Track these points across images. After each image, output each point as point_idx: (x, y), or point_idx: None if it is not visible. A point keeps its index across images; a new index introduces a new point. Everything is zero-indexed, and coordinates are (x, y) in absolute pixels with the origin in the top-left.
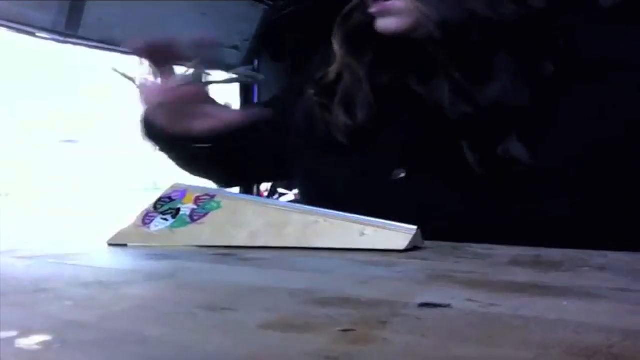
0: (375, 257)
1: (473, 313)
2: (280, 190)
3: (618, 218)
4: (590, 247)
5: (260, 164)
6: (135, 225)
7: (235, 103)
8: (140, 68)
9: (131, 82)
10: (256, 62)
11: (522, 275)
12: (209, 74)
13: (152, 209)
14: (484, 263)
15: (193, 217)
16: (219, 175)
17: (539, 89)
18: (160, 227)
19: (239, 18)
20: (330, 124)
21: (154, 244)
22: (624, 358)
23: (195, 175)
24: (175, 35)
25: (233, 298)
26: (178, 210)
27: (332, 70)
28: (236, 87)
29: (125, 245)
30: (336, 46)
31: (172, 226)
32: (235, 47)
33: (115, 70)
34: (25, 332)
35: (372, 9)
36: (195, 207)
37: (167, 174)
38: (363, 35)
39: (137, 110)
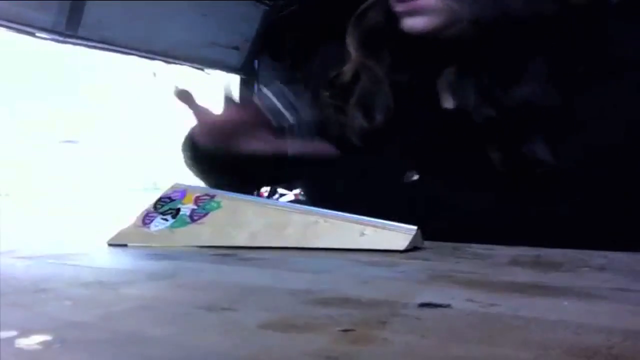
0: (376, 258)
1: (473, 313)
2: (280, 190)
3: (618, 218)
4: (590, 247)
5: (264, 167)
6: (135, 225)
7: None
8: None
9: (183, 97)
10: (256, 62)
11: (522, 275)
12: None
13: (152, 209)
14: (484, 263)
15: (193, 217)
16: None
17: (569, 89)
18: (160, 227)
19: (239, 18)
20: (344, 126)
21: (154, 244)
22: (624, 358)
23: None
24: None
25: (233, 298)
26: (178, 210)
27: (347, 70)
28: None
29: (125, 245)
30: (351, 46)
31: (172, 226)
32: (236, 48)
33: (175, 87)
34: (25, 332)
35: (398, 8)
36: (195, 207)
37: (167, 174)
38: (380, 35)
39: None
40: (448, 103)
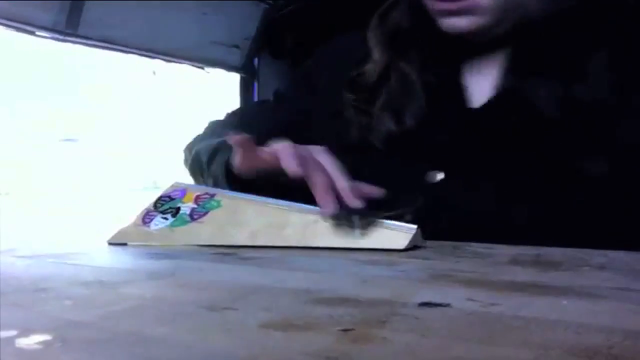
0: (376, 257)
1: (473, 313)
2: None
3: (618, 218)
4: (590, 246)
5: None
6: (135, 224)
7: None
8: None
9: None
10: (256, 61)
11: (523, 274)
12: None
13: (152, 208)
14: (484, 262)
15: (193, 216)
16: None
17: (628, 86)
18: (160, 226)
19: (239, 17)
20: (368, 128)
21: (154, 243)
22: (624, 358)
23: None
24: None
25: (233, 297)
26: (178, 209)
27: (372, 70)
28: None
29: (125, 244)
30: (376, 46)
31: (172, 225)
32: (236, 46)
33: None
34: (25, 332)
35: (439, 7)
36: (195, 206)
37: (167, 173)
38: (409, 34)
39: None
40: (479, 101)
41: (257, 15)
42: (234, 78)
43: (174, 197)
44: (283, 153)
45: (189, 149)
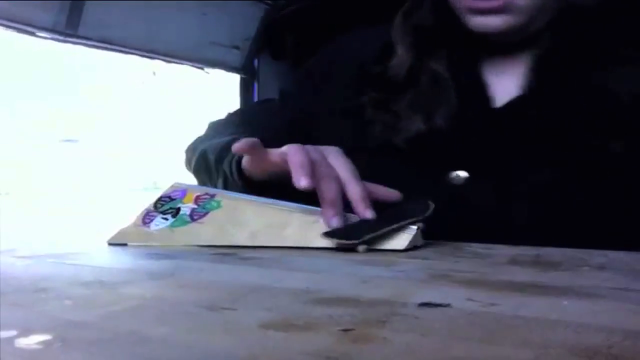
0: (375, 257)
1: (473, 312)
2: None
3: (618, 218)
4: (590, 246)
5: None
6: (135, 224)
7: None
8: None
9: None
10: (256, 62)
11: (522, 274)
12: None
13: (152, 209)
14: (483, 262)
15: (193, 217)
16: None
17: None
18: (160, 227)
19: (239, 17)
20: (392, 128)
21: (154, 244)
22: (624, 358)
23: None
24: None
25: (233, 297)
26: (178, 209)
27: (398, 66)
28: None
29: (125, 244)
30: (402, 44)
31: (172, 225)
32: (236, 47)
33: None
34: (25, 332)
35: (468, 4)
36: (195, 206)
37: (167, 173)
38: (436, 32)
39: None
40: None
41: (257, 15)
42: (234, 78)
43: (174, 197)
44: (293, 161)
45: (191, 149)
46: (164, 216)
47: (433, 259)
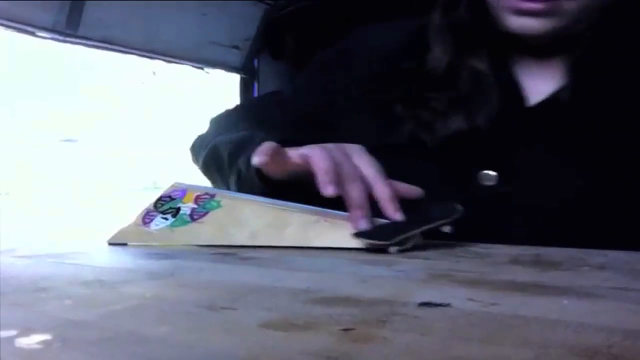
0: (376, 257)
1: (473, 312)
2: None
3: (618, 218)
4: (590, 246)
5: None
6: (135, 224)
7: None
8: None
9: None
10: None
11: (523, 274)
12: None
13: (152, 208)
14: (484, 262)
15: (193, 216)
16: None
17: None
18: (160, 226)
19: (239, 17)
20: (427, 126)
21: (154, 243)
22: (624, 358)
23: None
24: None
25: (233, 297)
26: (178, 209)
27: (435, 64)
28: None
29: (125, 244)
30: (440, 41)
31: (172, 225)
32: (236, 47)
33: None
34: (25, 332)
35: (524, 5)
36: (195, 206)
37: (167, 173)
38: (473, 29)
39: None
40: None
41: (257, 15)
42: (234, 78)
43: (174, 197)
44: (318, 166)
45: (198, 144)
46: (164, 216)
47: (433, 258)
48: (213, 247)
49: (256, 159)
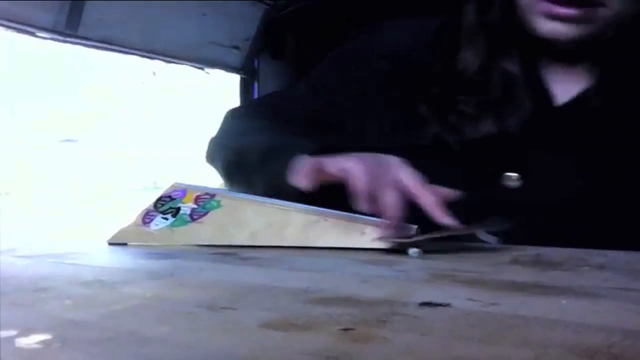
0: (376, 257)
1: (473, 312)
2: None
3: (618, 218)
4: (590, 246)
5: None
6: (135, 224)
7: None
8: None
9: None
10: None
11: (523, 274)
12: None
13: (152, 208)
14: (484, 262)
15: (193, 216)
16: None
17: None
18: (160, 226)
19: (239, 17)
20: (452, 128)
21: (154, 243)
22: (624, 357)
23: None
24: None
25: (233, 297)
26: (178, 209)
27: (467, 66)
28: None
29: (125, 244)
30: (472, 42)
31: (172, 225)
32: (236, 47)
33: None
34: (25, 331)
35: (559, 10)
36: (195, 206)
37: (167, 173)
38: (505, 31)
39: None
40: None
41: (257, 15)
42: (234, 78)
43: (174, 197)
44: (355, 183)
45: (217, 146)
46: (164, 216)
47: (434, 258)
48: (213, 247)
49: (301, 184)
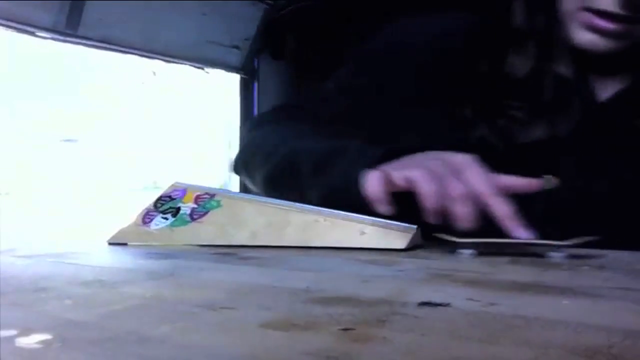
0: (376, 256)
1: (473, 312)
2: None
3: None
4: (590, 245)
5: None
6: (135, 224)
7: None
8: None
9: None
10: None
11: (523, 274)
12: None
13: (152, 208)
14: (484, 262)
15: (193, 216)
16: None
17: None
18: (160, 226)
19: (239, 17)
20: (501, 132)
21: (154, 243)
22: (624, 358)
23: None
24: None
25: (233, 297)
26: (178, 209)
27: (517, 69)
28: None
29: (125, 244)
30: (526, 46)
31: (172, 225)
32: (236, 47)
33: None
34: (25, 331)
35: (600, 23)
36: (195, 206)
37: (167, 173)
38: (556, 38)
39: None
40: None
41: (257, 15)
42: (234, 78)
43: (174, 197)
44: (422, 189)
45: (255, 153)
46: (164, 216)
47: (433, 258)
48: (213, 247)
49: (381, 209)
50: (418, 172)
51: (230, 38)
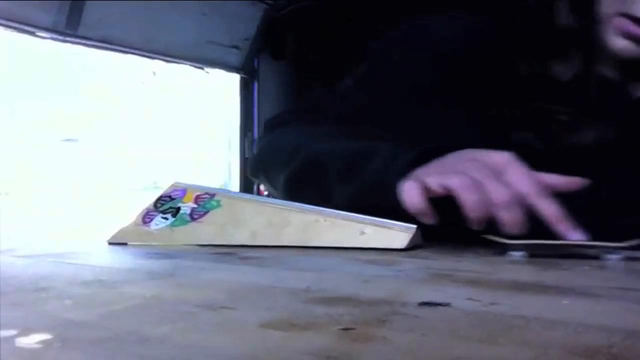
0: (376, 256)
1: (473, 312)
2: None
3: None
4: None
5: None
6: (135, 224)
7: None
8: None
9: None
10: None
11: (523, 274)
12: None
13: (152, 208)
14: (484, 262)
15: (193, 216)
16: None
17: None
18: (160, 226)
19: (239, 17)
20: (550, 136)
21: (154, 243)
22: (624, 358)
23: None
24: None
25: (233, 297)
26: (178, 209)
27: (563, 72)
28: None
29: (125, 244)
30: (572, 48)
31: (172, 225)
32: (236, 47)
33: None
34: (25, 331)
35: (633, 30)
36: (195, 205)
37: (167, 173)
38: (594, 37)
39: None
40: None
41: (257, 15)
42: (234, 78)
43: (174, 197)
44: (462, 197)
45: (275, 156)
46: (164, 215)
47: (433, 258)
48: (213, 247)
49: (425, 220)
50: (457, 179)
51: (230, 38)
